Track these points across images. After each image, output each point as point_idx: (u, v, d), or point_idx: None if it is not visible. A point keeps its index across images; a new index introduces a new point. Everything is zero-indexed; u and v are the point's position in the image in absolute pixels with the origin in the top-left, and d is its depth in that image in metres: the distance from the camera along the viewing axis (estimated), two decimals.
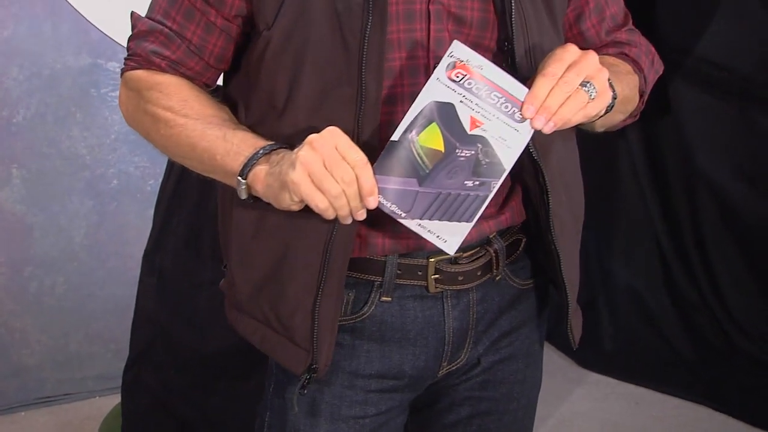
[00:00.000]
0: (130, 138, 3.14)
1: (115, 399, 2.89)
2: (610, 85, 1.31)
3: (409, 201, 1.24)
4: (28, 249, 3.15)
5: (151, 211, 2.73)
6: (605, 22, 1.52)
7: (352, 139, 1.26)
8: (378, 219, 1.31)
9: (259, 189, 1.28)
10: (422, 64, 1.32)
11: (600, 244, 3.67)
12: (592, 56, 1.26)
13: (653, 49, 1.57)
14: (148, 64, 1.38)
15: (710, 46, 3.32)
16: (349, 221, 1.25)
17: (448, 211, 1.25)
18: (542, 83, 1.22)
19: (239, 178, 1.29)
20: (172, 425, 2.69)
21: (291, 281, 1.35)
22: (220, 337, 2.53)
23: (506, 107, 1.23)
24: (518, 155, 1.25)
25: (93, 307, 3.26)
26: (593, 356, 3.52)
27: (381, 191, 1.23)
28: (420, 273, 1.41)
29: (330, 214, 1.23)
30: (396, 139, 1.23)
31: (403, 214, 1.25)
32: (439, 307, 1.44)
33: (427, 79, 1.23)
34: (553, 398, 3.28)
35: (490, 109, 1.23)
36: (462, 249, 1.39)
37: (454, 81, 1.22)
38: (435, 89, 1.22)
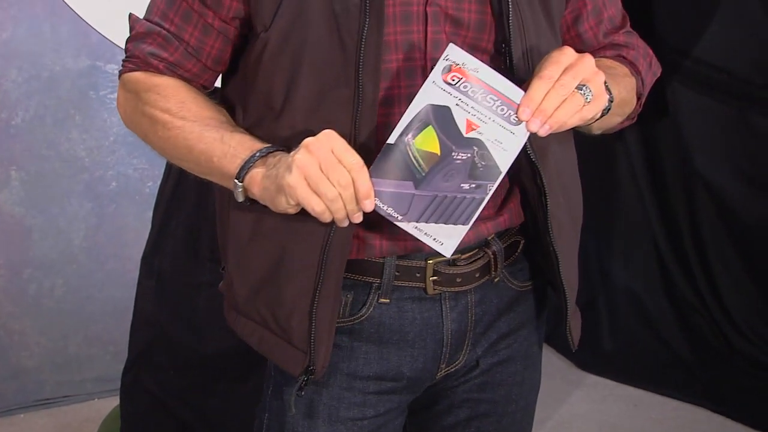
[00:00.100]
0: (129, 140, 3.14)
1: (114, 401, 2.89)
2: (607, 88, 1.31)
3: (405, 204, 1.24)
4: (27, 251, 3.15)
5: (150, 213, 2.73)
6: (603, 24, 1.52)
7: (349, 140, 1.26)
8: (376, 221, 1.31)
9: (256, 192, 1.28)
10: (419, 66, 1.32)
11: (599, 246, 3.67)
12: (589, 59, 1.26)
13: (651, 51, 1.57)
14: (145, 65, 1.38)
15: (709, 48, 3.33)
16: (345, 224, 1.25)
17: (445, 214, 1.26)
18: (538, 86, 1.22)
19: (236, 180, 1.29)
20: (171, 427, 2.69)
21: (288, 283, 1.35)
22: (218, 339, 2.53)
23: (502, 110, 1.23)
24: (514, 158, 1.25)
25: (92, 309, 3.26)
26: (592, 358, 3.52)
27: (377, 194, 1.23)
28: (418, 275, 1.41)
29: (326, 218, 1.23)
30: (392, 142, 1.23)
31: (400, 217, 1.25)
32: (437, 308, 1.44)
33: (424, 82, 1.23)
34: (551, 400, 3.28)
35: (486, 112, 1.23)
36: (460, 251, 1.39)
37: (449, 84, 1.22)
38: (431, 92, 1.22)
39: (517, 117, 1.23)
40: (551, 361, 3.47)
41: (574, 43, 1.50)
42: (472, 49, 1.33)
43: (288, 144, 1.29)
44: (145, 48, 1.38)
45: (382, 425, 1.48)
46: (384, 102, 1.31)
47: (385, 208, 1.24)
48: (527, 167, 1.39)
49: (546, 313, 1.58)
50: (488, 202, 1.27)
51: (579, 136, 1.47)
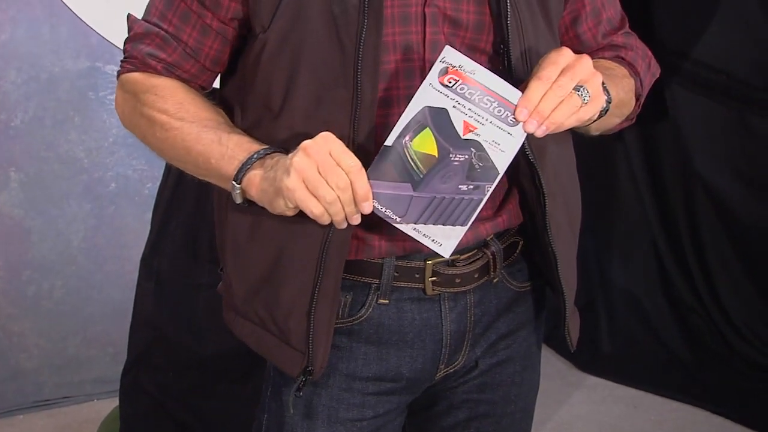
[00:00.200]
0: (128, 141, 3.14)
1: (114, 402, 2.89)
2: (605, 89, 1.31)
3: (403, 205, 1.25)
4: (26, 252, 3.15)
5: (149, 215, 2.73)
6: (602, 25, 1.52)
7: (348, 141, 1.27)
8: (375, 222, 1.31)
9: (254, 194, 1.28)
10: (417, 67, 1.32)
11: (598, 247, 3.67)
12: (586, 60, 1.26)
13: (650, 52, 1.57)
14: (144, 66, 1.38)
15: (708, 49, 3.33)
16: (344, 226, 1.25)
17: (443, 215, 1.26)
18: (536, 87, 1.22)
19: (234, 182, 1.29)
20: (171, 428, 2.69)
21: (286, 284, 1.35)
22: (218, 340, 2.53)
23: (499, 111, 1.23)
24: (512, 158, 1.25)
25: (91, 310, 3.26)
26: (591, 359, 3.52)
27: (375, 196, 1.23)
28: (417, 275, 1.41)
29: (325, 220, 1.23)
30: (390, 144, 1.23)
31: (398, 218, 1.25)
32: (436, 309, 1.44)
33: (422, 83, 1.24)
34: (551, 401, 3.28)
35: (484, 114, 1.23)
36: (459, 251, 1.39)
37: (446, 86, 1.22)
38: (428, 95, 1.22)
39: (514, 118, 1.23)
40: (551, 362, 3.47)
41: (573, 44, 1.50)
42: (471, 50, 1.34)
43: (287, 145, 1.29)
44: (143, 48, 1.38)
45: (381, 426, 1.48)
46: (382, 103, 1.31)
47: (383, 209, 1.25)
48: (526, 168, 1.39)
49: (545, 313, 1.58)
50: (487, 202, 1.27)
51: (578, 137, 1.47)
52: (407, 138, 1.23)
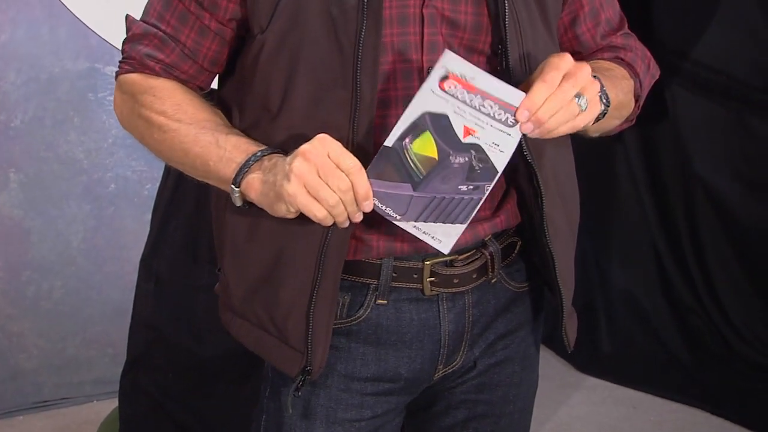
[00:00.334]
0: (128, 142, 3.15)
1: (113, 403, 2.89)
2: (603, 94, 1.32)
3: (403, 204, 1.25)
4: (25, 253, 3.15)
5: (149, 216, 2.73)
6: (600, 26, 1.52)
7: (347, 142, 1.27)
8: (373, 222, 1.32)
9: (254, 197, 1.28)
10: (416, 68, 1.32)
11: (597, 248, 3.67)
12: (587, 68, 1.26)
13: (649, 53, 1.57)
14: (142, 67, 1.38)
15: (707, 50, 3.33)
16: (346, 225, 1.26)
17: (443, 214, 1.26)
18: (540, 89, 1.22)
19: (233, 186, 1.29)
20: (170, 429, 2.69)
21: (285, 284, 1.35)
22: (217, 341, 2.53)
23: (499, 114, 1.23)
24: (509, 157, 1.25)
25: (90, 311, 3.26)
26: (590, 360, 3.52)
27: (376, 195, 1.24)
28: (415, 276, 1.41)
29: (328, 222, 1.23)
30: (389, 145, 1.23)
31: (398, 217, 1.26)
32: (434, 309, 1.44)
33: (421, 83, 1.23)
34: (550, 402, 3.28)
35: (484, 118, 1.23)
36: (457, 251, 1.39)
37: (446, 92, 1.22)
38: (428, 100, 1.22)
39: (514, 118, 1.23)
40: (550, 363, 3.47)
41: (572, 45, 1.50)
42: (469, 51, 1.34)
43: (285, 145, 1.29)
44: (141, 49, 1.38)
45: (380, 426, 1.48)
46: (381, 104, 1.31)
47: (383, 208, 1.25)
48: (524, 168, 1.39)
49: (543, 314, 1.58)
50: (485, 203, 1.28)
51: (578, 138, 1.47)
52: (407, 140, 1.23)
